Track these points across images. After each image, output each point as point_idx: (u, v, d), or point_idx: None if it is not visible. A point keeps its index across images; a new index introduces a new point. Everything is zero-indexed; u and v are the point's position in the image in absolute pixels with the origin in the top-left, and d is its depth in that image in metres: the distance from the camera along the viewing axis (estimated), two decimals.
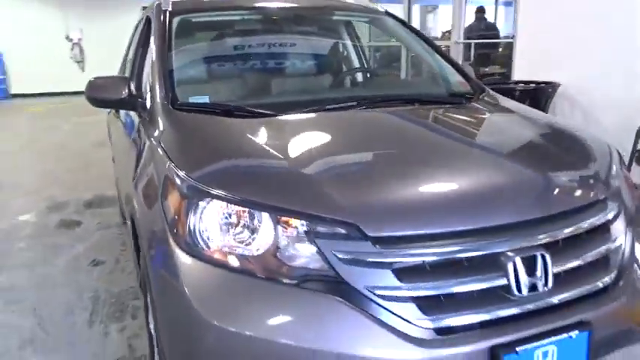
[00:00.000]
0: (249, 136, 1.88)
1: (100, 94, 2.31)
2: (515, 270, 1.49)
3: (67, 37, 15.51)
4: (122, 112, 3.00)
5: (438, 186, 1.63)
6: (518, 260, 1.49)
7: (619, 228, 1.73)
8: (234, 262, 1.49)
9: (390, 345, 1.38)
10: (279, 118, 2.06)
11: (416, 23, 8.64)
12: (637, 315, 1.70)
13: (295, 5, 3.00)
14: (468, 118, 2.28)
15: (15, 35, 15.05)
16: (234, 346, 1.40)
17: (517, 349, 1.44)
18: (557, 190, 1.70)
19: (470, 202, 1.55)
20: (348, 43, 3.35)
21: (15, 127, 10.03)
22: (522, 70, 4.99)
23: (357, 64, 3.31)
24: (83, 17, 15.53)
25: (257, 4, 2.96)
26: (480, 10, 7.09)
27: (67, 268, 3.57)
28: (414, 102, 2.38)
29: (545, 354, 1.49)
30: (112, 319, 2.86)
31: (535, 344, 1.47)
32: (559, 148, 2.00)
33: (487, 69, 6.55)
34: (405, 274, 1.44)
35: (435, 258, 1.46)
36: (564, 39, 4.60)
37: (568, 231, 1.58)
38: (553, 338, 1.49)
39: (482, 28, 6.85)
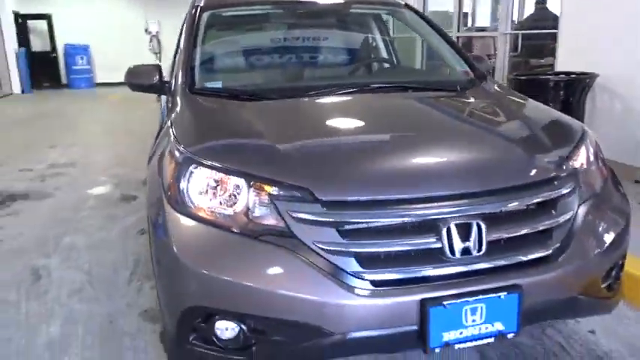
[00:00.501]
0: (243, 116, 2.21)
1: (135, 80, 2.73)
2: (449, 235, 1.71)
3: (146, 30, 16.63)
4: (162, 98, 3.41)
5: (387, 158, 1.88)
6: (452, 227, 1.71)
7: (568, 206, 1.88)
8: (212, 218, 1.81)
9: (330, 292, 1.65)
10: (276, 101, 2.37)
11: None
12: (584, 286, 1.86)
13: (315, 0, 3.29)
14: (449, 103, 2.49)
15: (100, 29, 16.36)
16: (212, 285, 1.72)
17: (445, 303, 1.67)
18: (500, 168, 1.90)
19: (412, 174, 1.80)
20: (364, 34, 3.60)
21: (95, 114, 11.02)
22: (565, 62, 4.97)
23: (373, 54, 3.56)
24: (161, 11, 16.57)
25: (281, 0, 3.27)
26: (540, 2, 6.99)
27: (119, 235, 4.08)
28: (411, 89, 2.60)
29: (473, 310, 1.70)
30: (147, 278, 3.30)
31: (463, 300, 1.68)
32: (520, 131, 2.17)
33: (542, 60, 6.47)
34: (348, 232, 1.70)
35: (375, 220, 1.71)
36: (605, 29, 4.56)
37: (505, 205, 1.77)
38: (482, 297, 1.70)
39: (539, 18, 6.76)
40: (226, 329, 1.75)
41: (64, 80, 16.99)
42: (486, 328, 1.74)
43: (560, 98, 4.58)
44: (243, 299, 1.69)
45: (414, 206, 1.73)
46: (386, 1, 3.44)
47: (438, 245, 1.72)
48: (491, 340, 1.76)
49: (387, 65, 3.47)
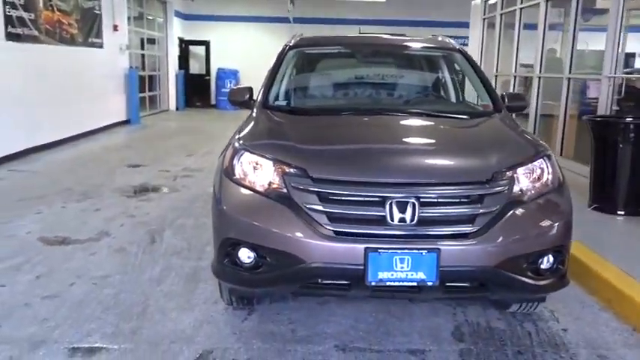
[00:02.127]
0: (286, 125, 3.44)
1: (233, 97, 4.09)
2: (391, 208, 2.73)
3: None
4: None
5: (361, 156, 2.98)
6: (394, 203, 2.73)
7: (494, 202, 2.79)
8: (247, 184, 3.01)
9: (308, 234, 2.74)
10: (315, 116, 3.57)
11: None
12: (500, 261, 2.74)
13: (380, 42, 4.46)
14: (443, 125, 3.51)
15: (249, 56, 18.82)
16: (240, 225, 2.90)
17: (380, 251, 2.68)
18: (439, 169, 2.89)
19: (374, 166, 2.85)
20: (410, 70, 4.67)
21: (232, 130, 13.08)
22: None
23: (414, 88, 4.60)
24: None
25: (353, 42, 4.51)
26: None
27: None
28: (427, 115, 3.65)
29: (402, 260, 2.69)
30: None
31: (393, 251, 2.68)
32: (477, 146, 3.11)
33: None
34: (325, 199, 2.80)
35: (344, 193, 2.79)
36: None
37: (436, 194, 2.75)
38: (407, 251, 2.68)
39: None
40: (246, 256, 2.92)
41: (213, 101, 19.76)
42: (412, 274, 2.70)
43: (630, 140, 5.13)
44: (257, 234, 2.85)
45: (372, 187, 2.78)
46: (440, 46, 4.50)
47: (383, 214, 2.74)
48: (415, 284, 2.71)
49: (423, 96, 4.49)
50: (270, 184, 2.94)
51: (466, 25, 13.26)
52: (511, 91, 9.95)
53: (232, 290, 3.25)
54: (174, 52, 18.52)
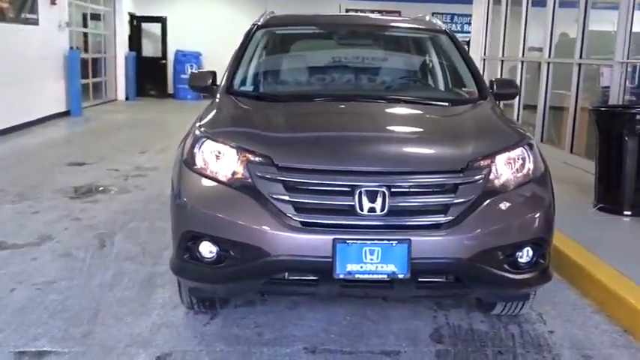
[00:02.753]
0: (251, 111, 3.89)
1: (194, 83, 4.53)
2: (360, 198, 3.18)
3: None
4: None
5: (326, 143, 3.45)
6: (363, 192, 3.18)
7: (468, 191, 3.25)
8: (208, 174, 3.44)
9: (273, 226, 3.18)
10: (285, 103, 4.03)
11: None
12: (475, 254, 3.20)
13: (358, 23, 4.95)
14: (426, 113, 4.03)
15: (213, 36, 19.20)
16: (200, 217, 3.33)
17: (348, 242, 3.13)
18: (410, 157, 3.36)
19: (341, 154, 3.31)
20: (386, 53, 5.17)
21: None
22: None
23: (391, 72, 5.09)
24: None
25: (329, 22, 4.99)
26: None
27: None
28: (409, 102, 4.12)
29: (371, 251, 3.13)
30: None
31: (362, 242, 3.13)
32: (454, 134, 3.59)
33: None
34: (290, 188, 3.24)
35: (310, 182, 3.24)
36: None
37: (407, 183, 3.21)
38: (377, 242, 3.13)
39: None
40: (207, 250, 3.35)
41: (170, 89, 20.16)
42: (382, 267, 3.14)
43: (637, 133, 5.66)
44: (219, 227, 3.28)
45: (340, 176, 3.23)
46: (424, 27, 4.99)
47: (352, 204, 3.19)
48: (386, 277, 3.16)
49: (402, 81, 4.97)
50: (233, 173, 3.37)
51: (468, 0, 13.83)
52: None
53: (193, 290, 3.68)
54: (123, 30, 18.92)
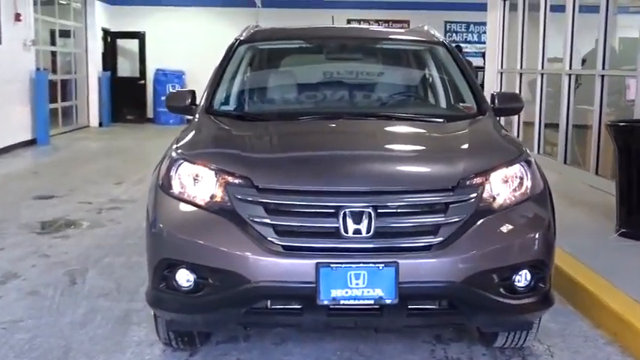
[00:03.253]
0: (231, 132, 4.25)
1: (172, 103, 4.89)
2: (345, 219, 3.50)
3: None
4: None
5: (308, 163, 3.79)
6: (347, 212, 3.50)
7: (460, 211, 3.57)
8: (185, 197, 3.76)
9: (253, 251, 3.49)
10: (266, 122, 4.38)
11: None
12: (468, 277, 3.50)
13: (348, 35, 5.33)
14: (418, 130, 4.40)
15: (198, 53, 19.59)
16: (177, 243, 3.65)
17: (332, 266, 3.43)
18: (398, 176, 3.69)
19: (323, 174, 3.64)
20: (387, 68, 5.52)
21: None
22: None
23: (394, 88, 5.44)
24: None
25: (317, 35, 5.37)
26: None
27: None
28: (400, 119, 4.47)
29: (357, 275, 3.44)
30: None
31: (347, 266, 3.44)
32: (445, 152, 3.93)
33: None
34: (271, 210, 3.56)
35: (292, 203, 3.56)
36: None
37: (393, 203, 3.53)
38: (363, 265, 3.44)
39: None
40: (184, 279, 3.66)
41: (150, 114, 20.59)
42: (368, 291, 3.44)
43: None
44: (197, 253, 3.59)
45: (323, 197, 3.55)
46: (419, 38, 5.36)
47: (337, 225, 3.50)
48: (372, 302, 3.46)
49: (394, 97, 5.31)
50: (212, 197, 3.70)
51: (483, 7, 14.27)
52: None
53: (170, 324, 3.97)
54: (96, 48, 19.41)
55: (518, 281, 3.67)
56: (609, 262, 5.53)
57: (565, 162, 9.94)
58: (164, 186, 3.86)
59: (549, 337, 4.48)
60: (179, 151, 4.00)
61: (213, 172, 3.75)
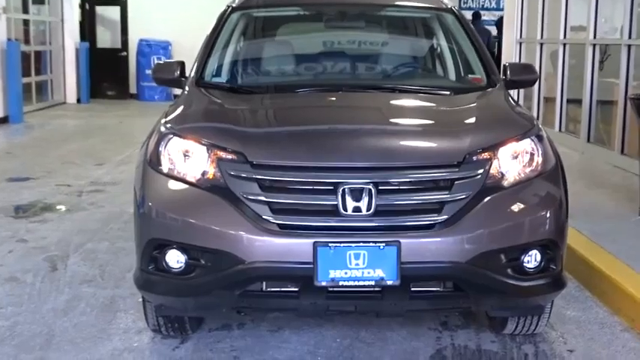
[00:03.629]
0: (222, 105, 4.45)
1: (159, 74, 5.09)
2: (344, 196, 3.70)
3: None
4: None
5: (304, 137, 4.01)
6: (347, 189, 3.70)
7: (465, 187, 3.77)
8: (175, 174, 3.97)
9: (247, 229, 3.70)
10: (261, 95, 4.58)
11: None
12: (474, 257, 3.71)
13: (349, 1, 5.52)
14: (423, 103, 4.62)
15: (185, 22, 19.71)
16: (167, 222, 3.86)
17: (331, 245, 3.64)
18: (400, 151, 3.89)
19: (320, 149, 3.85)
20: (392, 37, 5.73)
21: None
22: None
23: (399, 58, 5.64)
24: None
25: (313, 2, 5.65)
26: None
27: None
28: (404, 91, 4.68)
29: (357, 255, 3.64)
30: None
31: (346, 245, 3.64)
32: (451, 125, 4.14)
33: None
34: (266, 187, 3.77)
35: (288, 180, 3.77)
36: None
37: (398, 179, 3.73)
38: (363, 244, 3.65)
39: None
40: (174, 259, 3.87)
41: (133, 89, 20.76)
42: (368, 272, 3.64)
43: None
44: (188, 233, 3.80)
45: (321, 173, 3.75)
46: (426, 5, 5.57)
47: (335, 203, 3.71)
48: (373, 283, 3.67)
49: (398, 68, 5.52)
50: (203, 173, 3.90)
51: None
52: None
53: (160, 309, 4.18)
54: (73, 16, 19.53)
55: (528, 262, 3.87)
56: (630, 246, 5.74)
57: (588, 140, 10.14)
58: (152, 162, 4.06)
59: (563, 323, 4.69)
60: (168, 125, 4.20)
61: (204, 147, 3.95)
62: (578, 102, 10.68)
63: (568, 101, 11.28)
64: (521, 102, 11.51)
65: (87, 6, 20.74)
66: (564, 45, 11.29)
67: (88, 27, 20.70)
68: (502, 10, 17.55)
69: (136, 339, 4.52)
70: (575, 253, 5.59)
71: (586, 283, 5.41)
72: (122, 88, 20.81)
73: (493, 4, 21.08)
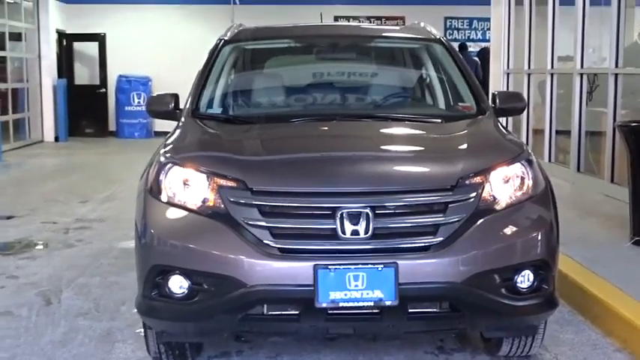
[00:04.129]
0: (219, 135, 4.75)
1: (154, 107, 5.39)
2: (342, 220, 3.99)
3: None
4: None
5: (302, 164, 4.32)
6: (345, 213, 3.99)
7: (459, 210, 4.06)
8: (176, 202, 4.24)
9: (249, 255, 3.97)
10: (257, 125, 4.89)
11: None
12: (468, 277, 3.99)
13: (340, 33, 5.87)
14: (415, 130, 4.94)
15: (167, 57, 20.08)
16: (169, 249, 4.13)
17: (330, 268, 3.92)
18: (394, 177, 4.20)
19: (319, 175, 4.15)
20: (382, 68, 6.07)
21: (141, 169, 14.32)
22: None
23: (389, 88, 5.98)
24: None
25: (306, 34, 5.93)
26: None
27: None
28: (396, 120, 5.00)
29: (356, 277, 3.92)
30: None
31: (345, 267, 3.92)
32: (442, 152, 4.44)
33: None
34: (266, 213, 4.05)
35: (287, 205, 4.05)
36: None
37: (394, 203, 4.03)
38: (362, 266, 3.93)
39: None
40: (177, 285, 4.13)
41: (112, 126, 21.01)
42: (367, 293, 3.91)
43: None
44: (190, 258, 4.06)
45: (319, 198, 4.04)
46: (414, 35, 5.91)
47: (334, 227, 3.99)
48: (372, 304, 3.94)
49: (390, 98, 5.84)
50: (204, 200, 4.18)
51: (486, 0, 14.87)
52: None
53: (161, 335, 4.42)
54: (50, 52, 19.82)
55: (521, 282, 4.16)
56: (621, 271, 6.04)
57: (578, 170, 10.48)
58: (153, 191, 4.34)
59: (557, 345, 4.97)
60: (168, 155, 4.48)
61: (204, 175, 4.23)
62: (568, 133, 11.02)
63: (557, 132, 11.63)
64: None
65: (64, 42, 21.03)
66: (552, 75, 11.68)
67: (65, 63, 20.98)
68: (488, 41, 18.04)
69: None
70: (567, 279, 5.89)
71: (579, 307, 5.69)
72: (101, 126, 21.07)
73: (479, 36, 21.57)
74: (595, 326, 5.36)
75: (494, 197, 4.21)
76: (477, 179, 4.21)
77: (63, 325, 5.56)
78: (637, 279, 5.88)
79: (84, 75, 21.63)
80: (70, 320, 5.66)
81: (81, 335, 5.33)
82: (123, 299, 6.04)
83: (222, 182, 4.17)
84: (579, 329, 5.34)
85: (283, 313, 4.13)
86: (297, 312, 4.06)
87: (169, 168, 4.36)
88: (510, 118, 12.93)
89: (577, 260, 6.29)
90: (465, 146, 4.59)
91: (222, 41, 5.84)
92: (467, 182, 4.18)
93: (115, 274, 6.87)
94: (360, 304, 3.97)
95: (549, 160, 11.68)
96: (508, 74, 13.85)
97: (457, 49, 14.78)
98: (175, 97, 5.39)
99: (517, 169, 4.35)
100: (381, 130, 5.03)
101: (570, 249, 6.51)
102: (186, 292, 4.11)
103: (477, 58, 17.97)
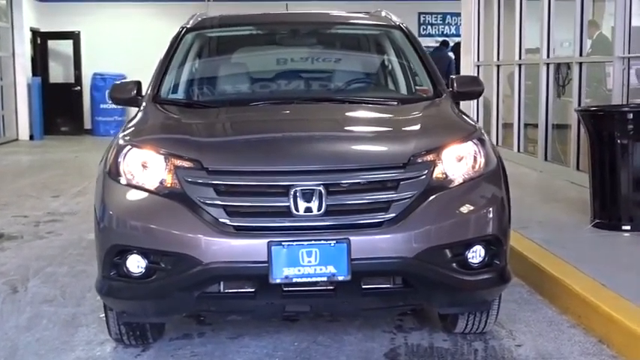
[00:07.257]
0: (178, 118, 4.83)
1: (116, 94, 5.45)
2: (295, 198, 4.07)
3: None
4: None
5: (257, 145, 4.42)
6: (298, 191, 4.07)
7: (410, 187, 4.15)
8: (134, 182, 4.31)
9: (204, 232, 4.04)
10: (215, 108, 4.97)
11: None
12: (420, 252, 4.08)
13: (299, 20, 5.97)
14: (370, 112, 5.08)
15: (142, 54, 20.01)
16: (127, 229, 4.21)
17: (284, 244, 4.00)
18: (346, 155, 4.30)
19: (272, 154, 4.23)
20: (342, 53, 6.18)
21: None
22: None
23: (347, 73, 6.09)
24: None
25: (266, 21, 6.03)
26: None
27: None
28: (352, 102, 5.10)
29: (309, 253, 4.00)
30: None
31: (299, 244, 4.00)
32: (396, 131, 4.57)
33: None
34: (221, 192, 4.13)
35: (242, 184, 4.13)
36: None
37: (346, 180, 4.11)
38: (314, 242, 4.01)
39: None
40: (135, 264, 4.19)
41: (87, 124, 21.00)
42: (320, 269, 4.00)
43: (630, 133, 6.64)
44: (147, 238, 4.14)
45: (273, 176, 4.13)
46: (375, 22, 6.01)
47: (287, 204, 4.07)
48: (325, 279, 4.02)
49: (347, 81, 5.94)
50: (161, 181, 4.25)
51: None
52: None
53: (122, 316, 4.49)
54: (24, 50, 19.79)
55: (472, 257, 4.25)
56: (580, 252, 6.17)
57: (546, 159, 10.62)
58: (112, 173, 4.41)
59: (513, 322, 5.08)
60: (126, 137, 4.56)
61: (162, 157, 4.31)
62: (536, 126, 11.16)
63: (527, 125, 11.77)
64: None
65: (39, 40, 21.00)
66: (519, 66, 11.82)
67: (40, 62, 20.95)
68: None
69: (99, 349, 4.81)
70: (527, 260, 6.01)
71: (538, 287, 5.80)
72: (76, 124, 21.03)
73: (452, 31, 21.72)
74: (552, 305, 5.47)
75: (446, 175, 4.31)
76: (429, 157, 4.30)
77: (28, 311, 5.61)
78: (593, 259, 6.01)
79: (59, 73, 21.59)
80: (36, 306, 5.71)
81: (45, 320, 5.38)
82: (89, 286, 6.04)
83: (179, 163, 4.25)
84: (537, 307, 5.45)
85: (240, 290, 4.21)
86: (253, 289, 4.15)
87: (128, 150, 4.42)
88: (481, 111, 13.12)
89: (537, 242, 6.40)
90: (418, 126, 4.69)
91: (185, 29, 5.90)
92: (419, 160, 4.27)
93: (83, 262, 6.91)
94: (314, 279, 4.06)
95: (518, 150, 11.83)
96: (478, 66, 13.99)
97: (438, 45, 15.35)
98: (138, 84, 5.46)
99: (469, 147, 4.45)
100: (337, 112, 5.14)
101: (532, 232, 6.65)
102: (143, 271, 4.19)
103: (451, 54, 18.14)
